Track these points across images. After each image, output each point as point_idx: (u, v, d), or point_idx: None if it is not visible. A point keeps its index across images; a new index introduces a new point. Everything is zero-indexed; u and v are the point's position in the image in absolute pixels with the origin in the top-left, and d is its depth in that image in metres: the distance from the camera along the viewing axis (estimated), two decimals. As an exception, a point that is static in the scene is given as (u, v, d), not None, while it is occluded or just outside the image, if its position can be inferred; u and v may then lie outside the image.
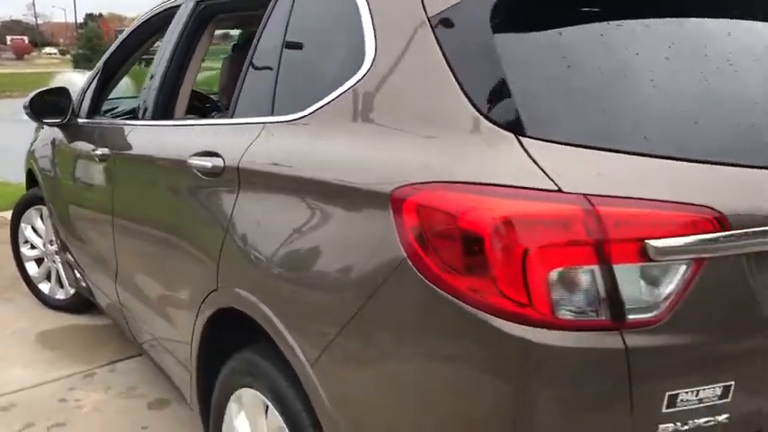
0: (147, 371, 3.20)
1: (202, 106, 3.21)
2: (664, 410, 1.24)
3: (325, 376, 1.49)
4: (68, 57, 53.16)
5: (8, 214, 4.42)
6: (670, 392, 1.23)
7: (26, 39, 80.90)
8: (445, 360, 1.28)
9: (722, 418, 1.30)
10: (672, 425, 1.25)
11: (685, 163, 1.27)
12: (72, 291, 3.86)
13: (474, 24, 1.37)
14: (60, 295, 3.98)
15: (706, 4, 1.56)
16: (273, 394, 1.67)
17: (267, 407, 1.73)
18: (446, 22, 1.41)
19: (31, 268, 4.11)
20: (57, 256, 3.85)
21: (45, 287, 4.06)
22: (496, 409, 1.22)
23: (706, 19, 1.53)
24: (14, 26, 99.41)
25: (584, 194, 1.18)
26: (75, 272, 3.44)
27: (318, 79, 1.69)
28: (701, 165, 1.27)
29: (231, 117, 2.01)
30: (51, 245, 3.91)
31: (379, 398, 1.41)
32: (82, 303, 3.84)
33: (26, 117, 3.20)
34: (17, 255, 4.14)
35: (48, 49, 75.96)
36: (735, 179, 1.28)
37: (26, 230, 4.07)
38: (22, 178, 4.32)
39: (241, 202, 1.78)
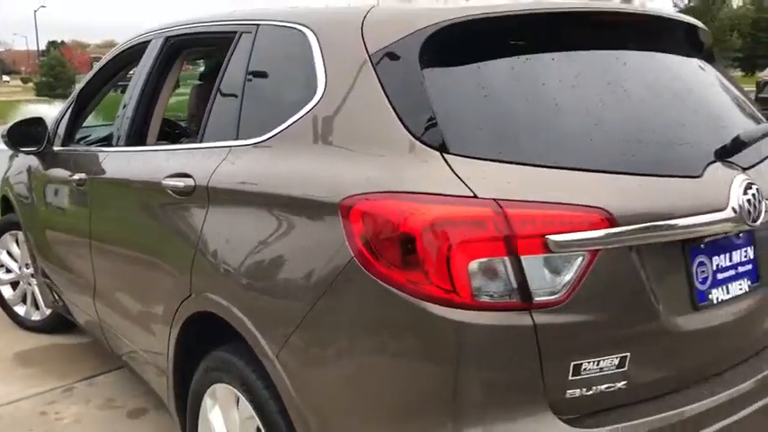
0: (125, 383, 3.38)
1: (173, 132, 3.42)
2: (570, 378, 1.49)
3: (289, 367, 1.71)
4: (30, 85, 52.67)
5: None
6: (574, 362, 1.49)
7: (-14, 67, 79.95)
8: (390, 341, 1.52)
9: (621, 384, 1.56)
10: (578, 390, 1.51)
11: (582, 172, 1.53)
12: (48, 312, 4.01)
13: (406, 61, 1.63)
14: (36, 317, 4.13)
15: (605, 40, 1.84)
16: (244, 387, 1.89)
17: (238, 399, 1.95)
18: (384, 59, 1.67)
19: (6, 291, 4.25)
20: (32, 279, 4.00)
21: (21, 309, 4.20)
22: (433, 376, 1.46)
23: (606, 51, 1.82)
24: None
25: (495, 199, 1.44)
26: (54, 292, 3.60)
27: (277, 107, 1.94)
28: (595, 173, 1.55)
29: (200, 141, 2.24)
30: (27, 268, 4.06)
31: (336, 382, 1.64)
32: (58, 324, 3.99)
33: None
34: (-8, 279, 4.28)
35: (5, 77, 74.83)
36: (623, 185, 1.55)
37: (1, 255, 4.22)
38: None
39: (210, 217, 2.01)
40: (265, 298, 1.78)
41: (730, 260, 1.77)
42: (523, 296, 1.43)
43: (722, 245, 1.74)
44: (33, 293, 4.09)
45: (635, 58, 1.89)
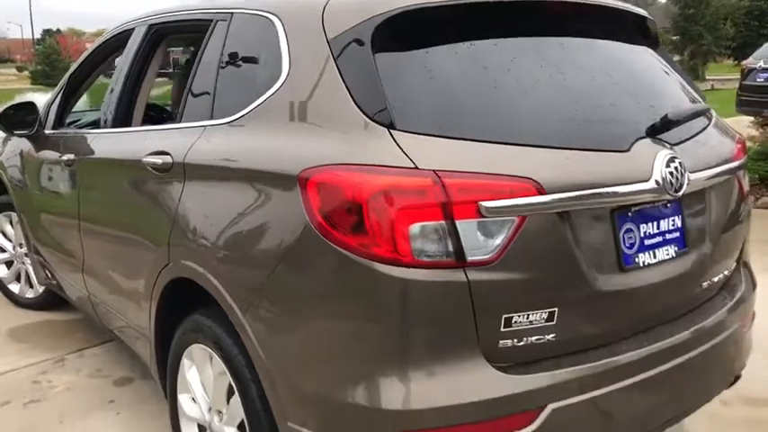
0: (113, 355, 3.56)
1: (158, 115, 3.58)
2: (502, 329, 1.67)
3: (255, 325, 1.88)
4: (25, 73, 52.54)
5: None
6: (506, 315, 1.66)
7: (-19, 56, 79.55)
8: (343, 298, 1.69)
9: (550, 337, 1.73)
10: (509, 341, 1.69)
11: (515, 146, 1.70)
12: (41, 289, 4.19)
13: (360, 46, 1.79)
14: (30, 294, 4.31)
15: (548, 28, 2.01)
16: (216, 345, 2.06)
17: (212, 357, 2.12)
18: (341, 44, 1.84)
19: (1, 270, 4.43)
20: (26, 258, 4.17)
21: (15, 288, 4.38)
22: (382, 328, 1.63)
23: (544, 38, 1.98)
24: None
25: (434, 170, 1.61)
26: (46, 270, 3.77)
27: (247, 89, 2.10)
28: (527, 147, 1.71)
29: (179, 122, 2.41)
30: (21, 248, 4.23)
31: (297, 337, 1.81)
32: (50, 301, 4.17)
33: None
34: (-13, 259, 4.45)
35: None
36: (552, 158, 1.72)
37: (-4, 236, 4.39)
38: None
39: (186, 190, 2.18)
40: (234, 264, 1.95)
41: (658, 228, 1.94)
42: (458, 256, 1.61)
43: (650, 214, 1.92)
44: (27, 272, 4.26)
45: (576, 44, 2.05)
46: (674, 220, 1.98)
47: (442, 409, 1.63)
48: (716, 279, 2.16)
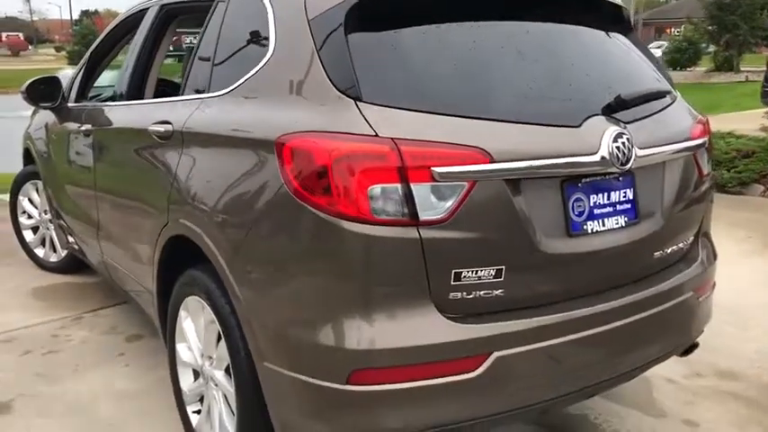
0: (126, 315, 3.82)
1: (168, 90, 3.81)
2: (452, 283, 1.86)
3: (237, 275, 2.09)
4: (63, 53, 53.51)
5: (5, 196, 5.02)
6: (455, 270, 1.85)
7: (21, 35, 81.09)
8: (312, 250, 1.89)
9: (498, 292, 1.92)
10: (459, 294, 1.88)
11: (469, 119, 1.88)
12: (63, 254, 4.47)
13: (335, 26, 1.98)
14: (53, 258, 4.60)
15: (511, 11, 2.18)
16: (207, 296, 2.28)
17: (204, 308, 2.34)
18: (318, 24, 2.03)
19: (28, 236, 4.73)
20: (50, 224, 4.46)
21: (40, 252, 4.68)
22: (346, 276, 1.82)
23: (507, 21, 2.16)
24: (9, 23, 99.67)
25: (392, 138, 1.80)
26: (67, 234, 4.04)
27: (239, 65, 2.30)
28: (480, 120, 1.89)
29: (181, 95, 2.63)
30: (45, 214, 4.52)
31: (269, 283, 2.01)
32: (72, 265, 4.46)
33: (25, 113, 3.77)
34: (16, 224, 4.76)
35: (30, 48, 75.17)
36: (503, 130, 1.90)
37: (23, 202, 4.69)
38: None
39: (184, 155, 2.40)
40: (221, 221, 2.17)
41: (608, 199, 2.11)
42: (412, 215, 1.80)
43: (600, 185, 2.08)
44: (51, 237, 4.56)
45: (541, 27, 2.22)
46: (625, 193, 2.15)
47: (395, 350, 1.83)
48: (669, 250, 2.32)
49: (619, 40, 2.47)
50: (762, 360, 3.37)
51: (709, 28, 29.10)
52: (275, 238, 1.98)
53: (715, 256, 2.59)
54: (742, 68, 27.95)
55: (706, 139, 2.44)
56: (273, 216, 1.96)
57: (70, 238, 4.03)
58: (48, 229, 4.56)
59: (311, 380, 1.88)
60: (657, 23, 59.34)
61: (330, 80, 1.92)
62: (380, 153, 1.79)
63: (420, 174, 1.80)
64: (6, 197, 4.88)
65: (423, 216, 1.80)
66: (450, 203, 1.82)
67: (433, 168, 1.79)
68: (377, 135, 1.81)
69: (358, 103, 1.86)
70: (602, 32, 2.42)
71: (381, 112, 1.85)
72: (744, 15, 27.86)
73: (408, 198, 1.80)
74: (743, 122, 9.47)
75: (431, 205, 1.81)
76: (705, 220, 2.53)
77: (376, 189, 1.79)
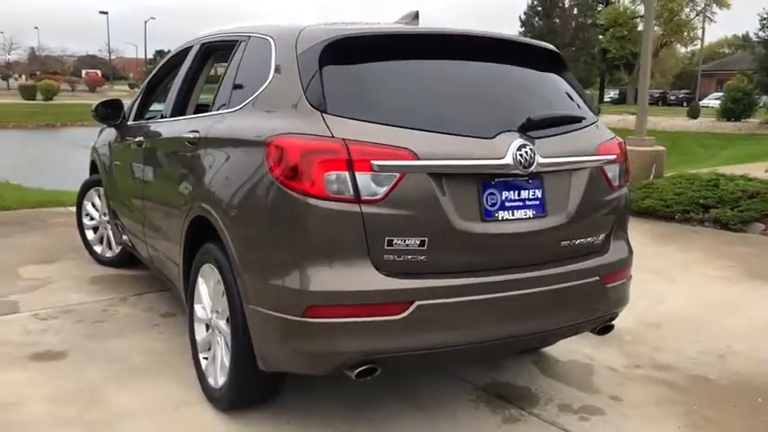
0: (165, 299, 4.58)
1: (205, 109, 4.62)
2: (385, 247, 2.52)
3: (234, 240, 2.78)
4: (136, 90, 56.32)
5: (74, 208, 5.92)
6: (388, 238, 2.51)
7: (99, 72, 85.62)
8: (284, 219, 2.57)
9: (422, 258, 2.57)
10: (391, 256, 2.53)
11: (404, 129, 2.57)
12: (117, 250, 5.29)
13: (313, 59, 2.71)
14: (108, 254, 5.43)
15: (447, 51, 2.88)
16: (216, 262, 2.98)
17: (213, 271, 3.05)
18: (303, 58, 2.76)
19: (89, 235, 5.58)
20: (108, 225, 5.29)
21: (98, 248, 5.51)
22: (306, 237, 2.50)
23: (444, 60, 2.86)
24: (89, 61, 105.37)
25: (344, 138, 2.49)
26: (122, 233, 4.85)
27: (249, 88, 3.06)
28: (413, 130, 2.57)
29: (210, 112, 3.40)
30: (104, 216, 5.36)
31: (253, 244, 2.71)
32: (123, 260, 5.27)
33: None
34: (80, 225, 5.62)
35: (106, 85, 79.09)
36: (429, 137, 2.57)
37: (87, 206, 5.55)
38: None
39: (206, 155, 3.15)
40: (226, 201, 2.88)
41: (518, 196, 2.74)
42: (356, 194, 2.47)
43: (512, 184, 2.72)
44: (108, 236, 5.39)
45: (470, 65, 2.90)
46: (534, 192, 2.78)
47: (341, 293, 2.49)
48: (577, 242, 2.92)
49: (549, 77, 3.13)
50: (699, 359, 3.88)
51: (761, 79, 29.11)
52: (260, 211, 2.69)
53: (630, 252, 3.17)
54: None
55: (614, 157, 3.04)
56: (260, 195, 2.67)
57: (124, 236, 4.84)
58: (105, 229, 5.39)
59: (279, 314, 2.56)
60: (719, 75, 59.03)
61: (306, 98, 2.64)
62: (334, 149, 2.49)
63: (363, 165, 2.48)
64: (73, 208, 5.76)
65: (363, 196, 2.48)
66: (384, 188, 2.50)
67: (372, 161, 2.48)
68: (333, 136, 2.51)
69: (323, 114, 2.57)
70: (533, 70, 3.09)
71: (339, 121, 2.55)
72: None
73: (353, 182, 2.48)
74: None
75: (370, 188, 2.49)
76: (619, 221, 3.12)
77: (331, 175, 2.48)
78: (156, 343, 3.85)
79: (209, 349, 3.19)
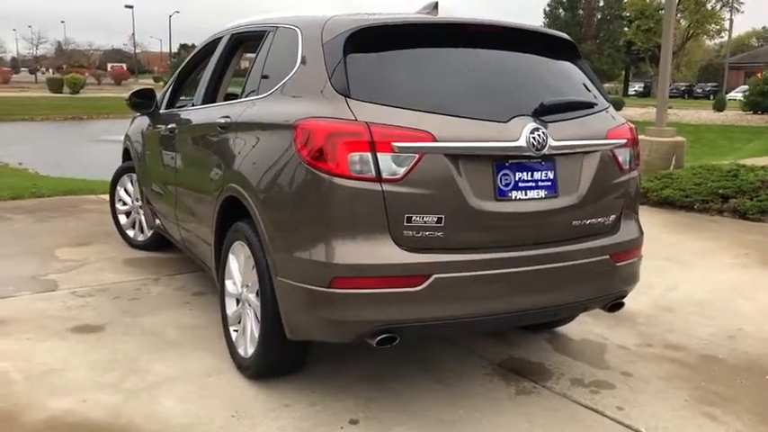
0: (196, 279, 4.79)
1: (234, 96, 4.82)
2: (405, 224, 2.69)
3: (264, 218, 2.96)
4: (161, 84, 57.08)
5: (105, 196, 6.17)
6: (407, 215, 2.68)
7: (124, 66, 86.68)
8: (311, 197, 2.74)
9: (439, 234, 2.74)
10: (410, 232, 2.70)
11: (423, 113, 2.73)
12: (149, 234, 5.52)
13: (338, 48, 2.88)
14: (140, 238, 5.66)
15: (463, 40, 3.04)
16: (247, 239, 3.17)
17: (244, 247, 3.24)
18: (328, 47, 2.93)
19: (122, 219, 5.82)
20: (140, 210, 5.52)
21: (131, 232, 5.75)
22: (331, 212, 2.67)
23: (463, 48, 3.01)
24: (114, 54, 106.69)
25: (366, 122, 2.66)
26: (155, 217, 5.07)
27: (277, 76, 3.24)
28: (432, 114, 2.74)
29: (240, 98, 3.59)
30: (137, 201, 5.59)
31: (282, 221, 2.89)
32: (154, 243, 5.50)
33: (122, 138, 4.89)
34: (113, 210, 5.86)
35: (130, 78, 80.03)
36: (446, 120, 2.74)
37: (120, 192, 5.79)
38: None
39: (236, 138, 3.34)
40: (256, 181, 3.07)
41: (531, 177, 2.89)
42: (377, 174, 2.65)
43: (525, 166, 2.88)
44: (140, 221, 5.62)
45: (487, 53, 3.05)
46: (546, 173, 2.93)
47: (364, 265, 2.67)
48: (588, 222, 3.06)
49: (563, 64, 3.27)
50: (710, 340, 4.00)
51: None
52: (288, 190, 2.87)
53: (641, 233, 3.31)
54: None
55: (624, 141, 3.18)
56: (288, 175, 2.85)
57: (157, 221, 5.06)
58: (138, 213, 5.62)
59: (306, 285, 2.75)
60: (747, 68, 58.26)
61: (332, 84, 2.82)
62: (357, 131, 2.66)
63: (384, 146, 2.65)
64: (107, 197, 6.00)
65: (385, 175, 2.65)
66: (404, 168, 2.67)
67: (393, 143, 2.65)
68: (356, 119, 2.68)
69: (347, 99, 2.75)
70: (547, 58, 3.23)
71: (362, 105, 2.72)
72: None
73: (375, 162, 2.65)
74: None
75: (391, 168, 2.66)
76: (630, 203, 3.26)
77: (354, 156, 2.66)
78: (188, 319, 4.06)
79: (239, 322, 3.39)
